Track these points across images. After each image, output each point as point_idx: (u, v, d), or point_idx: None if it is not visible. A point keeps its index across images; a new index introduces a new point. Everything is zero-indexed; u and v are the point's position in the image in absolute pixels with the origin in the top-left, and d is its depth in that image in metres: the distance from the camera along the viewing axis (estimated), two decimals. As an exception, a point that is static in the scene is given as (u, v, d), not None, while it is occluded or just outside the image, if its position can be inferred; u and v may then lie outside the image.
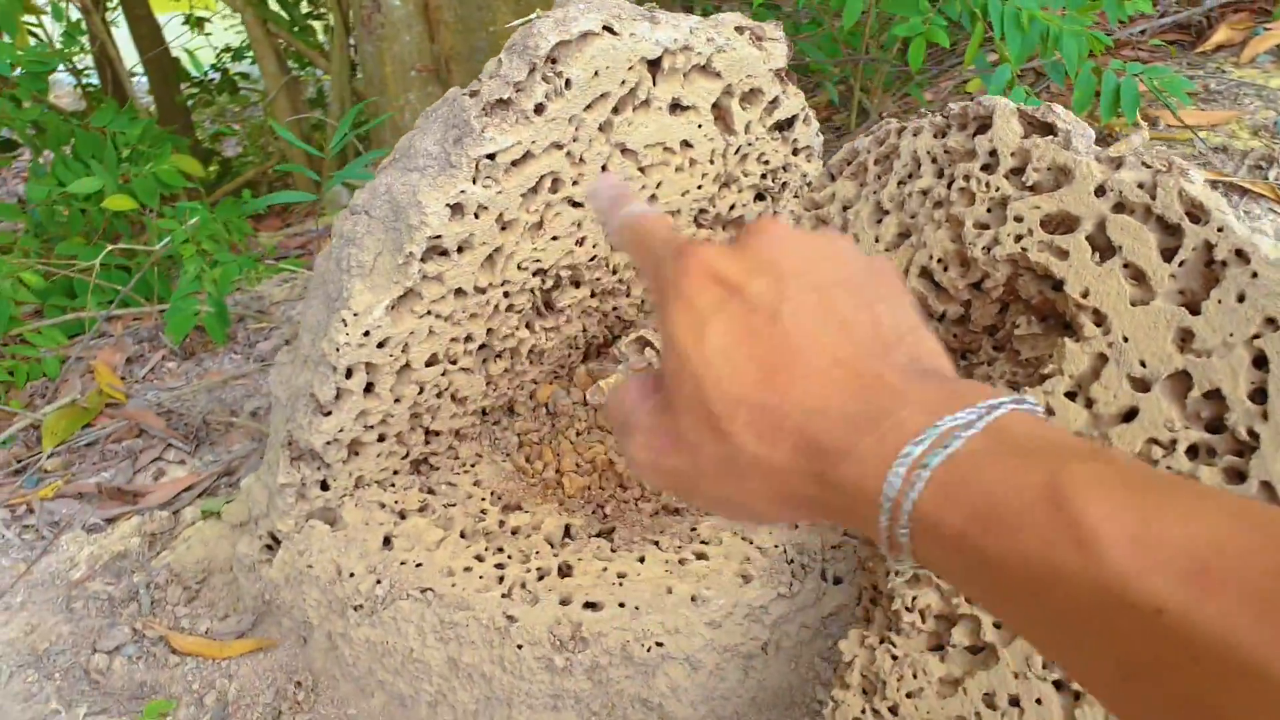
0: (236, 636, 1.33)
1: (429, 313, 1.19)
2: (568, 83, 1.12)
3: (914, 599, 1.01)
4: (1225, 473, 0.84)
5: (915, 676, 0.99)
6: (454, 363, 1.28)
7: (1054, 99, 3.05)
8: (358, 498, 1.32)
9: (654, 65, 1.20)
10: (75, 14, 3.13)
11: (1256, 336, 0.83)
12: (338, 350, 1.15)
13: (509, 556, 1.25)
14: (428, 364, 1.25)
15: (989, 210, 1.05)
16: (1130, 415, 0.90)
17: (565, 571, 1.22)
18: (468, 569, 1.22)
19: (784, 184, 1.48)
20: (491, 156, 1.12)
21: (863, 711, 1.02)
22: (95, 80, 3.93)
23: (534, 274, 1.27)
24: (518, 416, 1.45)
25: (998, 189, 1.04)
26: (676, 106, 1.25)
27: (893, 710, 1.00)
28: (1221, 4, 2.70)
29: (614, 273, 1.37)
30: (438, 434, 1.37)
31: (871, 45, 2.78)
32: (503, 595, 1.19)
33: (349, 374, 1.18)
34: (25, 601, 1.46)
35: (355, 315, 1.15)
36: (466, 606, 1.18)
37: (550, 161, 1.17)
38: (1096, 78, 2.31)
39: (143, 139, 2.70)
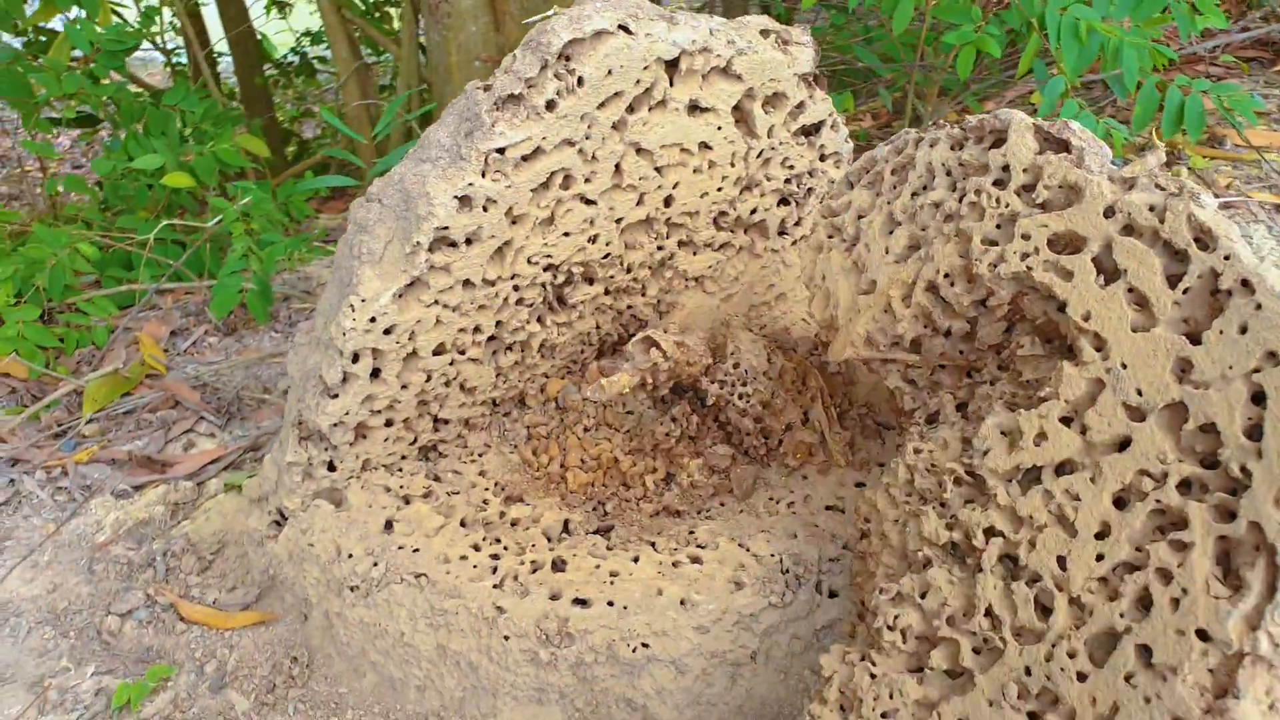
0: (241, 609, 1.36)
1: (436, 302, 1.21)
2: (580, 80, 1.12)
3: (896, 617, 0.99)
4: (1215, 510, 0.80)
5: (891, 697, 0.97)
6: (462, 353, 1.29)
7: (1119, 114, 2.96)
8: (364, 480, 1.34)
9: (672, 66, 1.20)
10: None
11: (1256, 370, 0.80)
12: (344, 335, 1.17)
13: (505, 548, 1.26)
14: (435, 353, 1.26)
15: (998, 226, 1.02)
16: (1124, 445, 0.87)
17: (559, 566, 1.23)
18: (463, 557, 1.24)
19: (809, 190, 1.47)
20: (502, 151, 1.13)
21: (839, 728, 1.01)
22: (185, 60, 4.05)
23: (545, 269, 1.28)
24: (528, 409, 1.46)
25: (1007, 205, 1.01)
26: (695, 108, 1.25)
27: (868, 729, 0.98)
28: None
29: (628, 271, 1.37)
30: (446, 422, 1.38)
31: (928, 53, 2.73)
32: (494, 586, 1.20)
33: (355, 358, 1.20)
34: (51, 561, 1.52)
35: (363, 301, 1.17)
36: (457, 594, 1.19)
37: (561, 158, 1.17)
38: (1160, 93, 2.24)
39: (205, 118, 2.78)
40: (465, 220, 1.15)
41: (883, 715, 0.97)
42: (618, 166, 1.23)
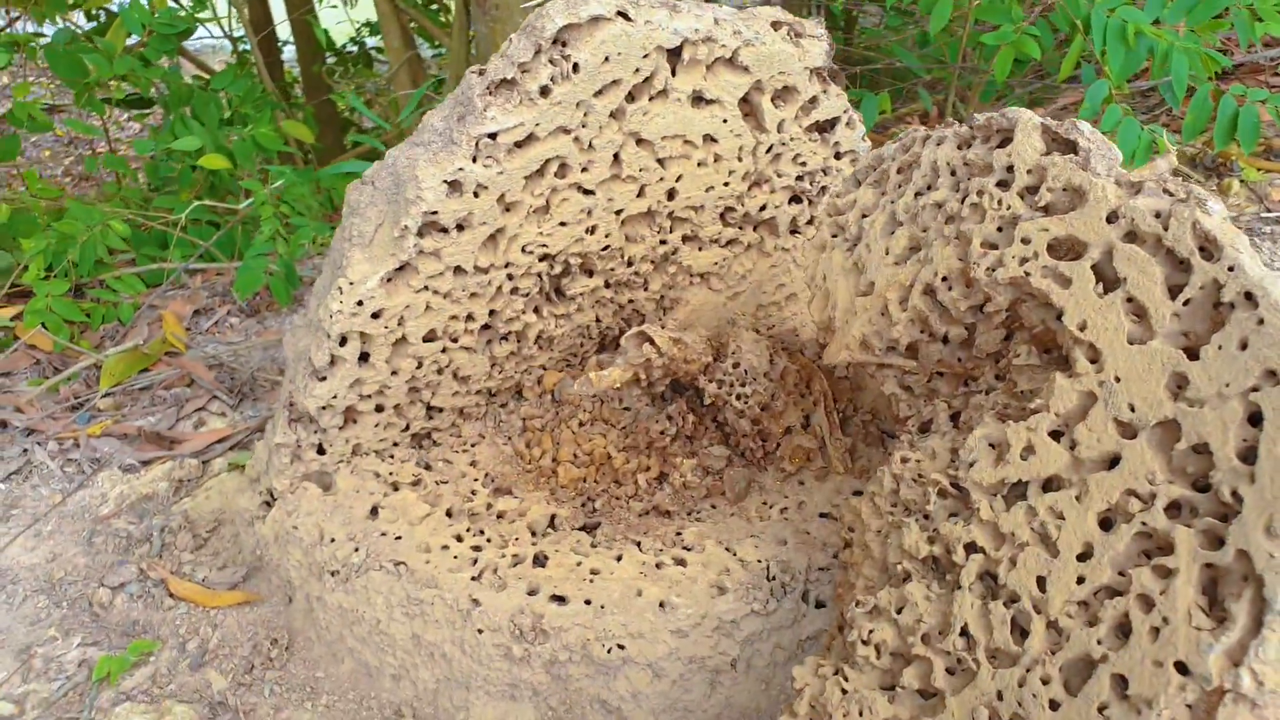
0: (228, 588, 1.36)
1: (426, 288, 1.19)
2: (575, 66, 1.09)
3: (871, 632, 0.95)
4: (1203, 536, 0.75)
5: (861, 714, 0.93)
6: (454, 340, 1.28)
7: (1175, 123, 2.86)
8: (354, 465, 1.33)
9: (674, 55, 1.17)
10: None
11: (1254, 389, 0.75)
12: (331, 317, 1.16)
13: (488, 540, 1.24)
14: (426, 339, 1.25)
15: (999, 229, 0.98)
16: (1113, 463, 0.83)
17: (540, 561, 1.21)
18: (445, 547, 1.22)
19: (823, 188, 1.43)
20: (493, 136, 1.11)
21: (809, 744, 0.97)
22: (249, 47, 4.11)
23: (540, 259, 1.26)
24: (524, 401, 1.44)
25: (1009, 207, 0.96)
26: (699, 99, 1.22)
27: (838, 747, 0.94)
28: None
29: (629, 264, 1.34)
30: (440, 410, 1.37)
31: (972, 55, 2.66)
32: (472, 578, 1.18)
33: (343, 341, 1.19)
34: (54, 531, 1.53)
35: (351, 284, 1.16)
36: (434, 584, 1.17)
37: (556, 145, 1.15)
38: (1213, 101, 2.15)
39: (245, 102, 2.81)
40: (455, 205, 1.13)
41: (852, 733, 0.93)
42: (616, 156, 1.20)
